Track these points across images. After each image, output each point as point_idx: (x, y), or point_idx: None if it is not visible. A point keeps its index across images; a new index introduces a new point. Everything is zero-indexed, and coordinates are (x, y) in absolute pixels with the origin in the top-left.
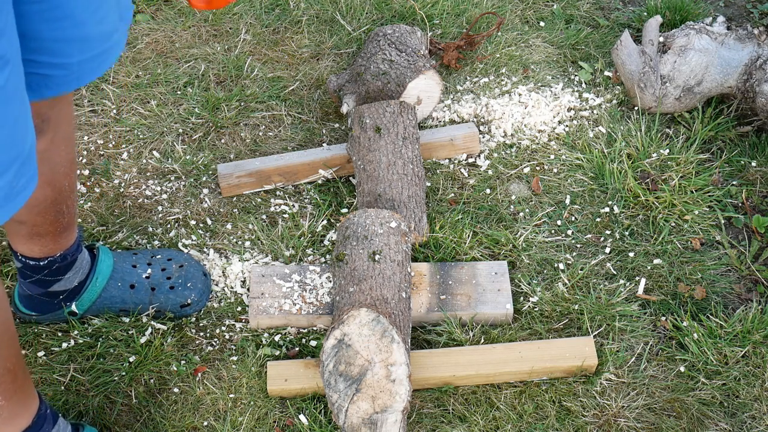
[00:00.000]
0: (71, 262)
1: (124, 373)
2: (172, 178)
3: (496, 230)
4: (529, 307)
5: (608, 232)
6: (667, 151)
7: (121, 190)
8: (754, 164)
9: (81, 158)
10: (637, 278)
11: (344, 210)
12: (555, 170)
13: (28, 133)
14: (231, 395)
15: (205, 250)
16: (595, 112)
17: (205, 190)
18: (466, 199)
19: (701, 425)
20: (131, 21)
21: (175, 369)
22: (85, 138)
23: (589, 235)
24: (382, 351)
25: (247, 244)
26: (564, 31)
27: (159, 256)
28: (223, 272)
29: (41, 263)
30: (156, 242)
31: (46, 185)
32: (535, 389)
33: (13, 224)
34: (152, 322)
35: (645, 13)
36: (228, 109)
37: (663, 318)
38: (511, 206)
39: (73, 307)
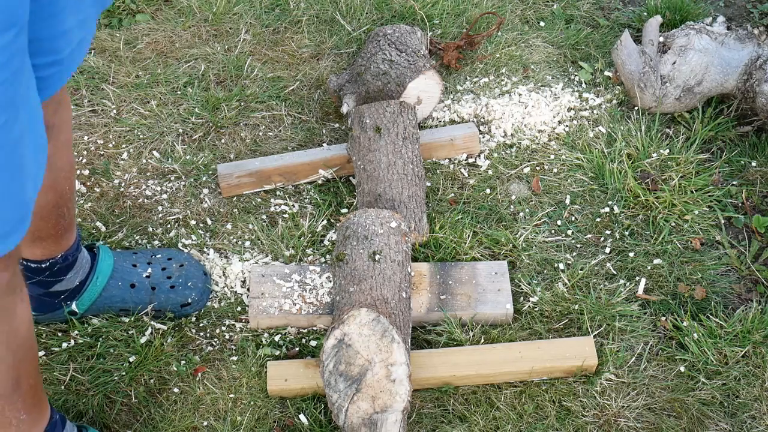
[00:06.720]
0: (72, 263)
1: (124, 373)
2: (172, 178)
3: (496, 230)
4: (529, 307)
5: (608, 232)
6: (667, 151)
7: (121, 190)
8: (754, 164)
9: (81, 158)
10: (637, 278)
11: (344, 210)
12: (555, 170)
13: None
14: (231, 395)
15: (205, 250)
16: (595, 112)
17: (205, 190)
18: (466, 199)
19: (701, 425)
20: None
21: (175, 369)
22: (85, 138)
23: (589, 235)
24: (382, 351)
25: (247, 244)
26: (564, 31)
27: (159, 256)
28: (223, 272)
29: (43, 265)
30: (156, 242)
31: (49, 190)
32: (535, 389)
33: None
34: (152, 322)
35: (645, 13)
36: (228, 109)
37: (663, 318)
38: (511, 206)
39: (74, 307)
